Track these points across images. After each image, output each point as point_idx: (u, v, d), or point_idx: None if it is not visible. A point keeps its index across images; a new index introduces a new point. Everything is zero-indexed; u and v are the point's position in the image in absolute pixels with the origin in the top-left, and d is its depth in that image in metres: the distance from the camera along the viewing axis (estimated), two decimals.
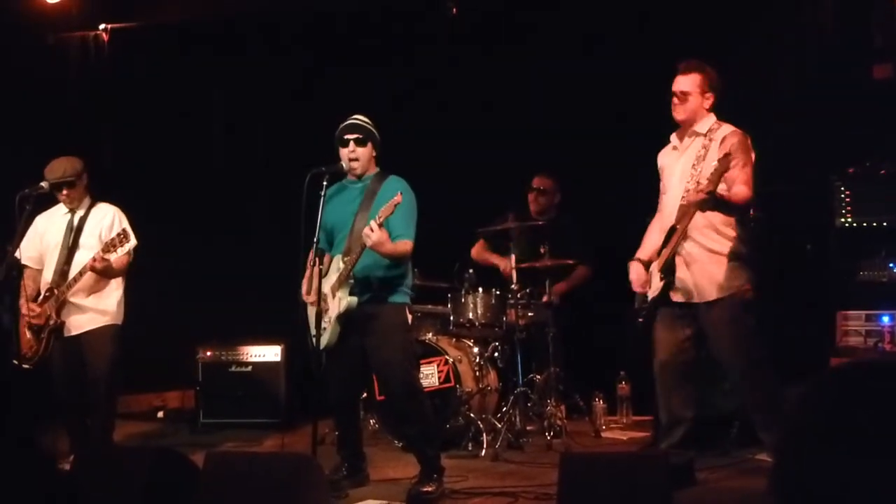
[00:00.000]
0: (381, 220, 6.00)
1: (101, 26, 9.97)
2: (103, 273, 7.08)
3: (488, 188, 8.92)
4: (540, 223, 8.31)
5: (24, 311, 7.19)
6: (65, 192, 7.16)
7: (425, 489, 6.24)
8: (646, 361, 7.72)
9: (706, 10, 8.47)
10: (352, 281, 6.27)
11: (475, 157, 9.18)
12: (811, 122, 7.72)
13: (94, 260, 6.95)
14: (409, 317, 6.50)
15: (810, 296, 7.30)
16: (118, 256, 7.06)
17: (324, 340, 6.32)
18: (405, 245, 6.28)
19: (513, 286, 7.97)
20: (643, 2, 8.88)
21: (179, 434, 8.81)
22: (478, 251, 8.90)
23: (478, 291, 8.16)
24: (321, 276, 6.26)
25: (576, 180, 8.88)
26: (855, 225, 7.20)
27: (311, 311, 6.30)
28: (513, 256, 8.02)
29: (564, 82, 9.06)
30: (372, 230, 5.98)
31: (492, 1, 9.38)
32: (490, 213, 8.46)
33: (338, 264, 6.36)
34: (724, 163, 5.75)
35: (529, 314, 8.21)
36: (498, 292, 8.14)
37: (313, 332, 6.21)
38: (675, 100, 6.25)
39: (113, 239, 6.88)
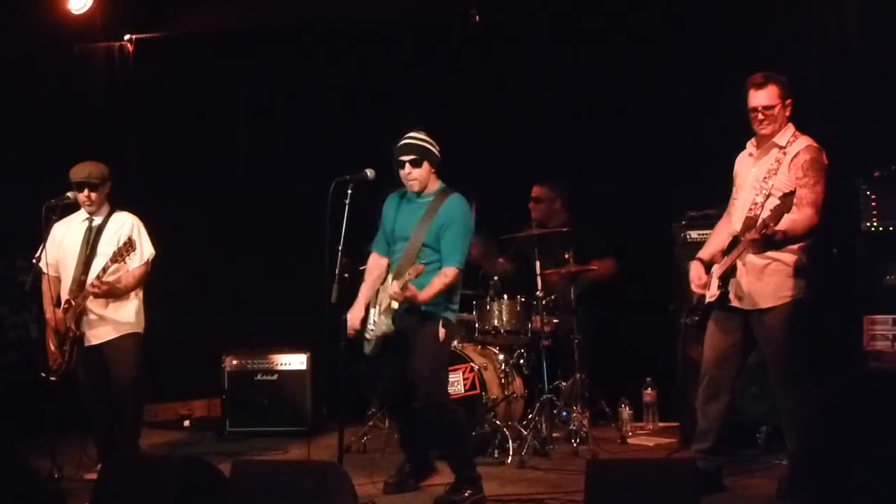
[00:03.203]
0: (411, 278, 6.07)
1: (126, 37, 10.00)
2: (109, 294, 7.10)
3: (513, 196, 8.91)
4: (564, 229, 8.30)
5: (48, 315, 7.22)
6: (86, 192, 7.18)
7: (454, 497, 6.26)
8: (672, 368, 7.73)
9: (729, 16, 8.45)
10: (395, 308, 6.31)
11: (501, 163, 9.19)
12: (836, 126, 7.68)
13: (93, 286, 6.99)
14: (443, 331, 6.44)
15: (837, 300, 7.26)
16: (132, 269, 7.09)
17: (368, 348, 6.51)
18: (446, 277, 6.32)
19: (538, 293, 7.98)
20: (665, 6, 8.87)
21: (206, 442, 8.81)
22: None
23: (503, 298, 8.16)
24: (344, 282, 6.27)
25: (599, 186, 8.86)
26: (881, 229, 7.15)
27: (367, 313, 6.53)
28: (538, 263, 8.02)
29: (590, 89, 9.06)
30: (396, 295, 6.12)
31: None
32: (516, 221, 8.51)
33: (388, 284, 6.41)
34: (787, 202, 5.75)
35: (554, 321, 8.21)
36: (523, 299, 8.14)
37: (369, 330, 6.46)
38: (759, 115, 6.14)
39: (119, 248, 6.90)
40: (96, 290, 7.00)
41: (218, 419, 9.16)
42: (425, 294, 6.24)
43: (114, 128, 9.69)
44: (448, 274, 6.32)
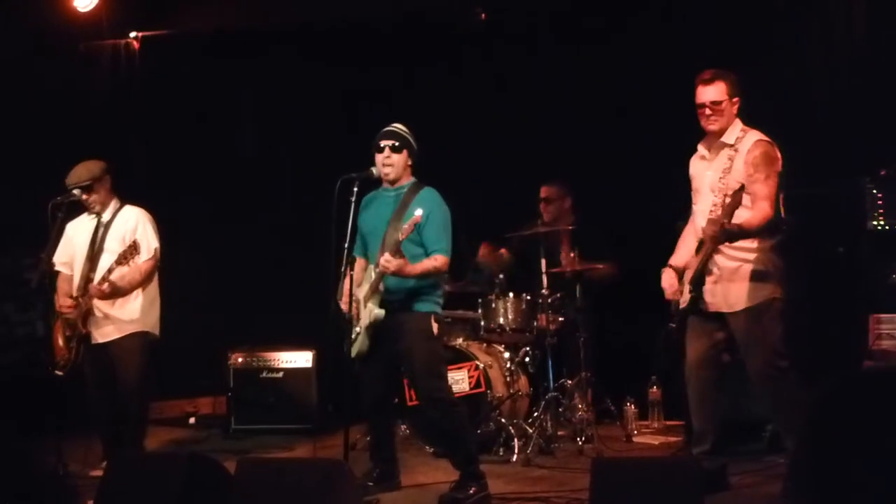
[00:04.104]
0: (405, 236, 6.05)
1: (132, 34, 10.02)
2: (114, 294, 7.09)
3: (513, 196, 8.92)
4: (569, 227, 8.29)
5: (58, 305, 7.21)
6: (84, 196, 7.19)
7: (458, 495, 6.24)
8: (677, 366, 7.72)
9: (735, 14, 8.44)
10: (382, 290, 6.29)
11: (501, 163, 9.20)
12: (842, 124, 7.68)
13: (97, 290, 6.99)
14: (436, 326, 6.46)
15: (842, 299, 7.25)
16: (137, 266, 7.07)
17: (355, 349, 6.38)
18: (436, 261, 6.31)
19: (543, 291, 7.97)
20: (667, 5, 8.87)
21: (211, 440, 8.83)
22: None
23: (508, 296, 8.16)
24: (352, 283, 6.29)
25: (605, 183, 8.86)
26: (887, 227, 7.15)
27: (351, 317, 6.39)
28: (543, 262, 8.02)
29: (590, 89, 9.07)
30: (388, 262, 6.07)
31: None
32: (519, 219, 8.52)
33: (370, 273, 6.39)
34: (738, 198, 5.83)
35: (560, 319, 8.21)
36: (528, 297, 8.13)
37: (353, 335, 6.33)
38: (707, 111, 6.19)
39: (124, 251, 6.90)
40: (100, 293, 7.01)
41: (223, 416, 9.17)
42: (415, 269, 6.22)
43: (119, 126, 9.69)
44: (438, 259, 6.31)
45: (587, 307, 8.28)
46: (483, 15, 9.23)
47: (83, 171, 7.21)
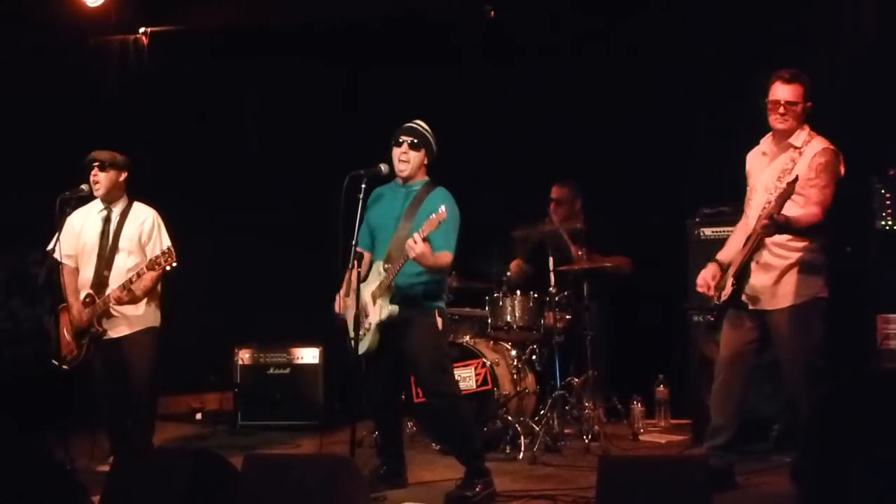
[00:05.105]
0: (425, 234, 5.99)
1: (141, 30, 10.02)
2: (131, 301, 7.07)
3: (514, 195, 8.92)
4: (579, 226, 8.28)
5: (73, 314, 7.20)
6: (95, 170, 7.18)
7: (465, 493, 6.23)
8: (684, 364, 7.72)
9: (735, 14, 8.43)
10: (393, 289, 6.28)
11: (515, 163, 9.20)
12: (850, 123, 7.66)
13: (117, 299, 6.99)
14: (440, 320, 6.45)
15: (850, 299, 7.24)
16: (150, 273, 7.04)
17: (363, 346, 6.34)
18: (445, 257, 6.28)
19: (551, 289, 7.97)
20: (667, 5, 8.87)
21: (218, 436, 8.84)
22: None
23: (515, 294, 8.15)
24: (359, 279, 6.27)
25: (605, 183, 8.86)
26: (895, 227, 7.14)
27: (350, 315, 6.32)
28: (551, 259, 8.02)
29: (592, 88, 9.07)
30: (416, 242, 5.99)
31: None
32: (522, 218, 8.52)
33: (378, 270, 6.38)
34: (790, 188, 5.80)
35: (567, 317, 8.20)
36: (536, 295, 8.13)
37: (352, 334, 6.26)
38: (781, 109, 6.15)
39: (158, 257, 6.82)
40: (119, 301, 6.99)
41: (230, 413, 9.19)
42: (431, 259, 6.15)
43: (128, 121, 9.68)
44: (445, 256, 6.28)
45: (594, 305, 8.28)
46: (492, 13, 9.22)
47: (109, 154, 7.23)
